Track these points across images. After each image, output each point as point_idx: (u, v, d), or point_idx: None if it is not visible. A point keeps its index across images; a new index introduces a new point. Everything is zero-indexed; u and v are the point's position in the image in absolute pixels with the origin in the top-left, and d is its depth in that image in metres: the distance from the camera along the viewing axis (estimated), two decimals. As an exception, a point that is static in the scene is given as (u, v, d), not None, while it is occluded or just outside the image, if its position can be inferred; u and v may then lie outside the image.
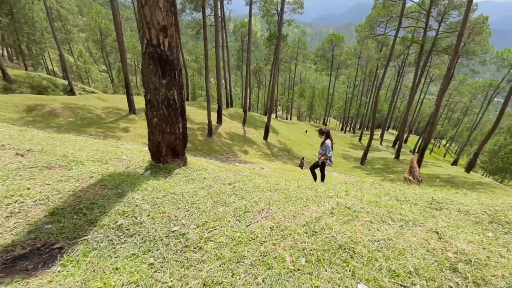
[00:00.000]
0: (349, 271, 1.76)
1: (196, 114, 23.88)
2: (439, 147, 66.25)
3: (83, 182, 2.60)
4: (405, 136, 45.43)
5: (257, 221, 2.16)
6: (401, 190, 3.62)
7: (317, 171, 6.13)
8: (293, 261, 1.80)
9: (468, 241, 2.14)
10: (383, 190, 3.57)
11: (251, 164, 16.45)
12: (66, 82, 29.97)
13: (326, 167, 6.01)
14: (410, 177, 6.20)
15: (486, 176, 34.47)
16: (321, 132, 5.49)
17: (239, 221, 2.16)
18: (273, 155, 21.39)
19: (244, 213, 2.28)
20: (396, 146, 30.02)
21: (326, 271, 1.75)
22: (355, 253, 1.91)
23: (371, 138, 25.41)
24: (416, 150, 37.79)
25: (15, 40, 35.05)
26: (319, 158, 5.59)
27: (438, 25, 28.60)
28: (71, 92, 28.97)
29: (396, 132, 50.38)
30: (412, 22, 31.81)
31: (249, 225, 2.12)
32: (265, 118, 25.79)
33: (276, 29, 35.46)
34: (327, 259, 1.85)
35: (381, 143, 40.97)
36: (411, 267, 1.82)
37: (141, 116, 19.52)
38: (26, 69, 33.20)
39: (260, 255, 1.83)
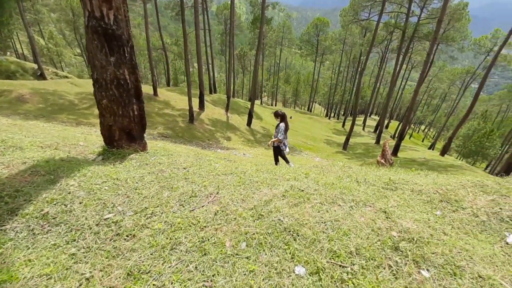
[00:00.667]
0: (289, 253, 1.70)
1: (177, 100, 23.19)
2: (418, 132, 68.72)
3: (13, 169, 2.37)
4: (386, 121, 46.62)
5: (202, 206, 2.05)
6: (365, 172, 3.62)
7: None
8: (233, 246, 1.72)
9: (415, 220, 2.14)
10: (347, 173, 3.55)
11: (234, 150, 16.31)
12: (36, 66, 28.02)
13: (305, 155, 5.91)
14: (382, 160, 6.32)
15: (459, 159, 36.28)
16: (276, 115, 5.32)
17: (183, 206, 2.04)
18: (256, 141, 21.31)
19: (190, 197, 2.16)
20: (378, 132, 30.76)
21: (266, 254, 1.68)
22: (298, 235, 1.85)
23: (353, 124, 25.82)
24: (396, 135, 39.00)
25: (-24, 20, 31.99)
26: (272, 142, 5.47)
27: (420, 10, 28.75)
28: (41, 76, 27.16)
29: (378, 118, 51.54)
30: (395, 7, 31.75)
31: (193, 210, 2.01)
32: (250, 104, 25.48)
33: (259, 10, 34.45)
34: (269, 243, 1.77)
35: (363, 129, 41.90)
36: (353, 248, 1.79)
37: (117, 102, 18.71)
38: (-10, 52, 30.61)
39: (198, 241, 1.72)
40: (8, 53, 41.12)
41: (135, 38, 45.71)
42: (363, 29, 38.50)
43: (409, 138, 52.76)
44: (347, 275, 1.58)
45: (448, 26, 30.31)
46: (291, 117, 38.81)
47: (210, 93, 33.61)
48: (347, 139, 26.82)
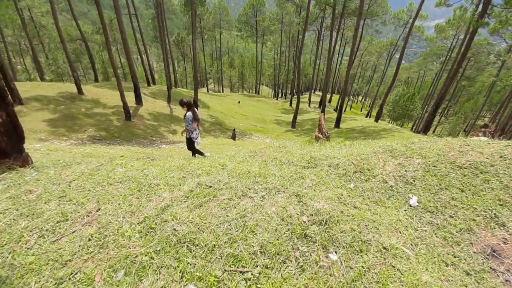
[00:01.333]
0: (179, 272, 1.41)
1: (109, 96, 20.73)
2: (357, 103, 75.28)
3: None
4: (328, 96, 49.74)
5: (73, 232, 1.61)
6: (293, 151, 3.52)
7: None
8: (104, 279, 1.35)
9: (327, 198, 2.06)
10: (274, 155, 3.41)
11: (180, 143, 15.40)
12: None
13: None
14: (320, 135, 6.45)
15: (391, 123, 40.99)
16: (181, 104, 4.91)
17: (44, 237, 1.58)
18: (205, 131, 20.56)
19: (57, 223, 1.70)
20: (322, 107, 32.56)
21: (148, 280, 1.35)
22: (195, 245, 1.57)
23: (298, 102, 26.71)
24: (338, 108, 41.98)
25: None
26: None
27: (347, -13, 30.26)
28: None
29: (321, 94, 54.63)
30: (324, -16, 32.84)
31: (57, 240, 1.56)
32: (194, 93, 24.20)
33: (191, -8, 32.23)
34: (156, 264, 1.46)
35: (309, 105, 43.97)
36: (258, 246, 1.59)
37: (32, 107, 15.88)
38: None
39: (54, 284, 1.30)
40: None
41: (47, 29, 38.93)
42: (297, 7, 39.19)
43: (350, 109, 57.47)
44: (247, 282, 1.37)
45: (371, 1, 32.73)
46: (239, 102, 38.50)
47: (149, 85, 31.00)
48: (295, 117, 27.83)
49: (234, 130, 18.61)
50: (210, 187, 2.10)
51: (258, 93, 58.11)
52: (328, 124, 26.41)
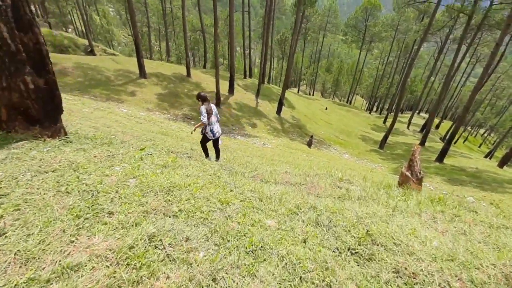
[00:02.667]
0: None
1: (209, 82, 23.13)
2: (475, 136, 60.45)
3: None
4: (437, 121, 41.60)
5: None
6: (342, 208, 2.82)
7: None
8: None
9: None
10: (314, 202, 2.78)
11: (255, 138, 15.77)
12: (87, 42, 30.24)
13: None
14: (408, 173, 4.88)
15: (524, 172, 30.85)
16: (197, 97, 4.44)
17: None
18: (283, 131, 20.44)
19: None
20: (424, 132, 27.43)
21: None
22: None
23: (394, 120, 23.26)
24: (446, 138, 34.53)
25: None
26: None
27: (495, -8, 23.96)
28: (91, 53, 29.28)
29: (428, 116, 46.24)
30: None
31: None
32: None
33: (304, -8, 32.24)
34: None
35: (408, 127, 37.97)
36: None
37: (151, 81, 19.25)
38: (50, 27, 33.82)
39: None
40: (70, 29, 45.12)
41: (180, 19, 46.48)
42: (420, 13, 33.80)
43: (463, 142, 46.54)
44: None
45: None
46: (326, 108, 36.76)
47: (245, 77, 33.11)
48: (386, 137, 24.43)
49: (311, 137, 17.74)
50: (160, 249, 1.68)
51: (350, 103, 54.14)
52: (427, 154, 22.02)
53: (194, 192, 2.51)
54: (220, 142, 4.71)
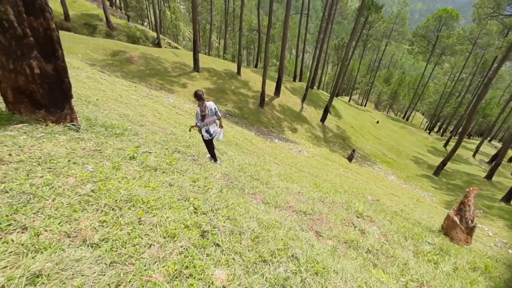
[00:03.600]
0: None
1: (257, 81, 23.37)
2: None
3: None
4: (511, 153, 35.26)
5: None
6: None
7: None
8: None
9: None
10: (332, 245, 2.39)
11: (293, 144, 15.41)
12: (156, 35, 33.29)
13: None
14: (456, 218, 4.03)
15: None
16: (194, 95, 4.05)
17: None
18: (324, 140, 19.58)
19: None
20: (494, 164, 23.48)
21: None
22: None
23: (458, 145, 20.26)
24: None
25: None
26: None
27: None
28: (158, 45, 32.11)
29: (501, 146, 39.49)
30: None
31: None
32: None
33: (371, -3, 30.34)
34: None
35: (474, 155, 32.96)
36: None
37: (202, 75, 20.24)
38: (128, 20, 38.08)
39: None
40: (145, 23, 50.25)
41: (238, 18, 48.18)
42: (505, 28, 28.85)
43: (547, 183, 38.54)
44: None
45: None
46: (377, 122, 34.19)
47: (294, 80, 32.67)
48: (443, 163, 21.60)
49: (354, 150, 16.61)
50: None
51: (407, 119, 49.37)
52: (492, 191, 18.82)
53: (141, 214, 2.04)
54: (221, 137, 4.46)
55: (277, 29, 47.12)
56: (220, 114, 4.34)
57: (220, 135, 4.40)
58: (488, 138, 45.36)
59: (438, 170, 21.69)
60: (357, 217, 3.30)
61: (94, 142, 2.90)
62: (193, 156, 3.85)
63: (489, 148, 39.72)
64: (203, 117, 4.02)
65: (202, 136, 4.22)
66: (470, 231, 3.76)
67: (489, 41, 31.71)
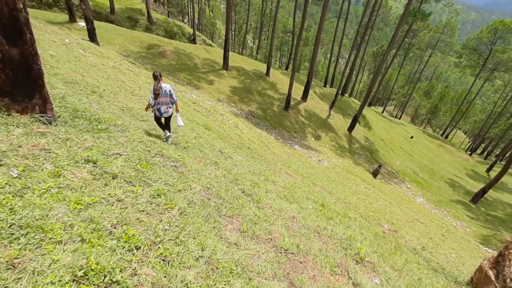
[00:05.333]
0: None
1: (285, 84, 22.86)
2: None
3: None
4: None
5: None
6: None
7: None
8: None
9: None
10: None
11: (314, 152, 14.71)
12: (191, 31, 34.26)
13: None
14: (491, 272, 3.14)
15: None
16: (152, 76, 4.25)
17: None
18: (349, 151, 18.51)
19: None
20: (546, 198, 20.54)
21: None
22: None
23: (504, 171, 18.05)
24: None
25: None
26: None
27: None
28: (193, 41, 33.00)
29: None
30: None
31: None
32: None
33: (417, 4, 28.34)
34: None
35: (522, 186, 29.28)
36: None
37: (230, 74, 20.26)
38: (168, 15, 39.64)
39: None
40: (185, 19, 52.13)
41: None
42: None
43: None
44: None
45: None
46: (412, 137, 31.88)
47: (325, 85, 31.57)
48: (484, 190, 19.36)
49: (380, 166, 15.45)
50: None
51: (446, 137, 45.46)
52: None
53: (14, 254, 1.36)
54: (181, 123, 4.54)
55: (311, 33, 46.11)
56: (175, 98, 4.45)
57: (179, 121, 4.51)
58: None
59: (477, 197, 19.47)
60: (356, 262, 2.58)
61: (54, 138, 2.52)
62: (176, 162, 3.44)
63: (542, 179, 35.04)
64: (156, 96, 4.14)
65: (156, 116, 4.37)
66: (506, 291, 2.99)
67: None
